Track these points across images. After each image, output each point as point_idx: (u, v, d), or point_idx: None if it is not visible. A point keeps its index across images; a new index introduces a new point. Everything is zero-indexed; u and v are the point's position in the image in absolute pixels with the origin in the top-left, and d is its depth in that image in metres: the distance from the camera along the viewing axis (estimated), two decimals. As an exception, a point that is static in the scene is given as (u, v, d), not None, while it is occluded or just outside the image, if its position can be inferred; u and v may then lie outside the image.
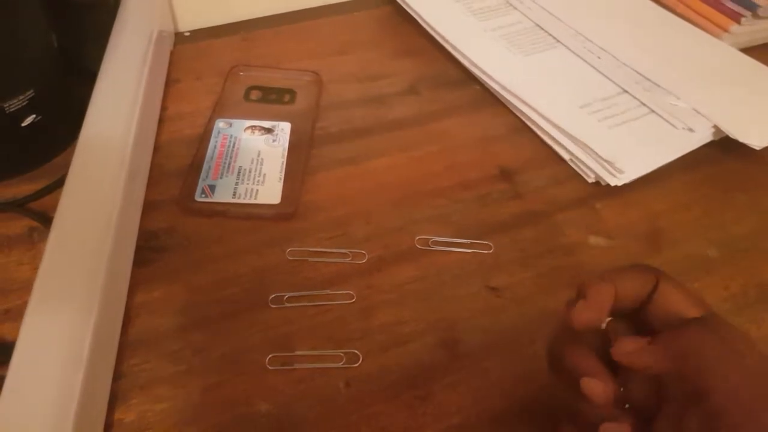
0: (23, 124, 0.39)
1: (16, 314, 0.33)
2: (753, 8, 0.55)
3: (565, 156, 0.44)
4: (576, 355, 0.25)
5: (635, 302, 0.25)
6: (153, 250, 0.37)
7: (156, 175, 0.42)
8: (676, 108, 0.46)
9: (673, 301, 0.24)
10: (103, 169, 0.35)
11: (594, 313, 0.24)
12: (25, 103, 0.39)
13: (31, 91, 0.39)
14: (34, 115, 0.40)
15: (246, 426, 0.30)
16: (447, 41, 0.53)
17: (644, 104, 0.47)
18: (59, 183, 0.38)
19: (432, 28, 0.54)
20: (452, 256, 0.38)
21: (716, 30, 0.56)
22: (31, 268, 0.36)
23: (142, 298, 0.35)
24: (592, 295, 0.24)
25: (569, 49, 0.52)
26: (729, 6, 0.56)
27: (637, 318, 0.25)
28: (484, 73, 0.49)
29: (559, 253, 0.39)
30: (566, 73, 0.50)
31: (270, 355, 0.32)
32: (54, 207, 0.33)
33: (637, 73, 0.49)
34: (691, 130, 0.44)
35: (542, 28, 0.55)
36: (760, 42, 0.57)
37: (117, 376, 0.31)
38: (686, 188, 0.44)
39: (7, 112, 0.38)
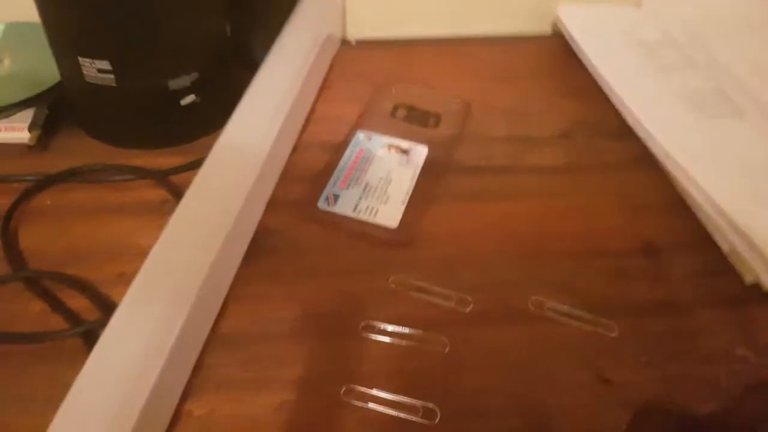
0: (182, 103, 0.42)
1: (129, 279, 0.35)
2: None
3: (724, 246, 0.38)
4: None
5: None
6: (264, 249, 0.38)
7: (288, 174, 0.43)
8: None
9: None
10: (238, 162, 0.36)
11: None
12: (187, 84, 0.41)
13: (196, 73, 0.41)
14: (193, 96, 0.42)
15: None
16: (611, 88, 0.48)
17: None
18: (199, 163, 0.39)
19: (597, 72, 0.50)
20: (567, 330, 0.34)
21: None
22: (153, 239, 0.37)
23: (242, 292, 0.35)
24: None
25: (756, 124, 0.45)
26: None
27: None
28: (645, 129, 0.44)
29: (695, 357, 0.33)
30: (748, 151, 0.43)
31: (345, 387, 0.31)
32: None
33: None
34: None
35: (726, 93, 0.48)
36: None
37: (198, 366, 0.32)
38: None
39: (170, 89, 0.40)
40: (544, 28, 0.58)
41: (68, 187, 0.41)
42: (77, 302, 0.34)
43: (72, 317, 0.33)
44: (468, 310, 0.35)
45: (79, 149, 0.43)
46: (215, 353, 0.32)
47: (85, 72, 0.38)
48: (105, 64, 0.37)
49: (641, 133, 0.45)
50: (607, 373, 0.32)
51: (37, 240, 0.38)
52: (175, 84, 0.40)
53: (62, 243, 0.37)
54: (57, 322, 0.33)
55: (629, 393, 0.31)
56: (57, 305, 0.34)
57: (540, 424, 0.30)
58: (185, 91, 0.41)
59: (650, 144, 0.44)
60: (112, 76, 0.38)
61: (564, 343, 0.34)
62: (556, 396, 0.31)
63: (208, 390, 0.31)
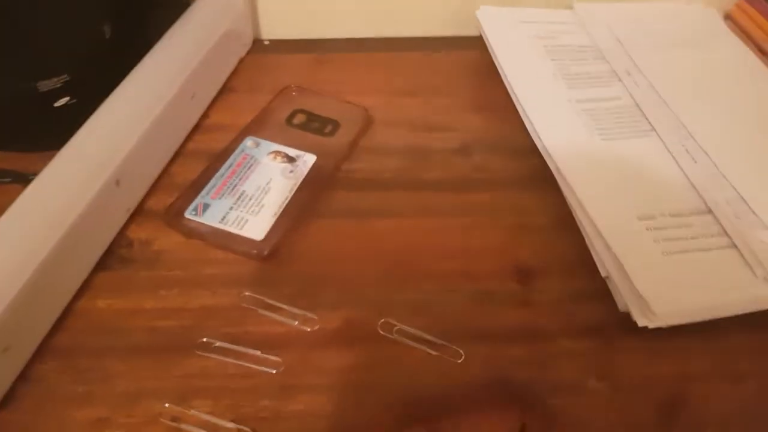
0: (56, 105, 0.41)
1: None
2: None
3: (602, 271, 0.37)
4: None
5: None
6: (120, 259, 0.37)
7: (164, 183, 0.42)
8: (763, 247, 0.36)
9: None
10: (82, 167, 0.35)
11: None
12: (58, 86, 0.40)
13: (66, 75, 0.40)
14: (68, 98, 0.41)
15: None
16: (518, 100, 0.47)
17: (726, 233, 0.37)
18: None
19: (508, 82, 0.48)
20: (412, 353, 0.33)
21: None
22: None
23: (86, 305, 0.34)
24: None
25: (662, 142, 0.44)
26: None
27: None
28: (543, 146, 0.43)
29: (543, 387, 0.32)
30: (644, 171, 0.42)
31: (165, 405, 0.30)
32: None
33: (735, 191, 0.40)
34: (770, 281, 0.35)
35: (641, 110, 0.46)
36: None
37: (23, 377, 0.31)
38: (745, 354, 0.34)
39: (40, 90, 0.39)
40: (471, 30, 0.56)
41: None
42: None
43: None
44: (312, 329, 0.34)
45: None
46: (45, 363, 0.32)
47: (-54, 72, 0.37)
48: (-35, 65, 0.37)
49: (541, 149, 0.44)
50: (444, 400, 0.31)
51: None
52: (44, 86, 0.39)
53: None
54: None
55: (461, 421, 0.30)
56: None
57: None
58: (57, 93, 0.40)
59: (547, 161, 0.43)
60: (-26, 77, 0.37)
61: (404, 367, 0.32)
62: (385, 422, 0.30)
63: (27, 400, 0.30)
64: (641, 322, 0.33)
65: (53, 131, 0.39)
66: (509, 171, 0.44)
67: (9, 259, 0.30)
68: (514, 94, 0.48)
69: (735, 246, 0.37)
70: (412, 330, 0.34)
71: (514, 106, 0.48)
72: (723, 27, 0.55)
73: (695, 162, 0.42)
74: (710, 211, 0.39)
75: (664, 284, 0.34)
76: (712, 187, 0.40)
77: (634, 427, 0.31)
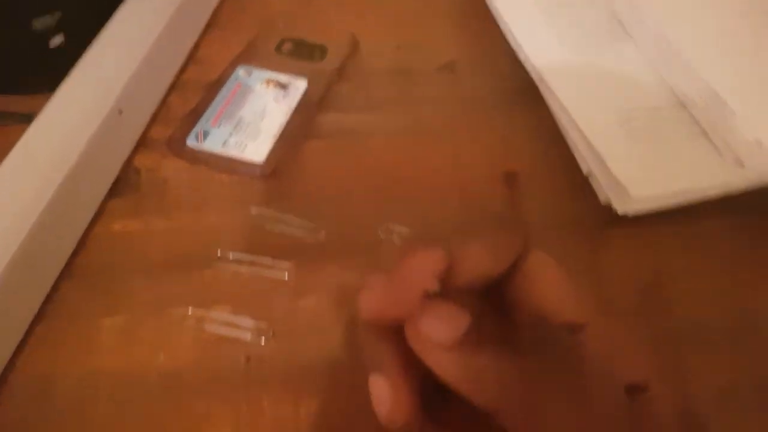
0: (51, 45, 0.42)
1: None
2: None
3: (584, 168, 0.39)
4: (372, 346, 0.18)
5: (485, 281, 0.18)
6: (130, 186, 0.39)
7: (163, 114, 0.43)
8: (733, 133, 0.38)
9: (543, 292, 0.18)
10: (85, 99, 0.37)
11: (393, 299, 0.17)
12: (52, 24, 0.41)
13: (59, 12, 0.41)
14: (62, 37, 0.42)
15: (138, 376, 0.31)
16: (501, 16, 0.48)
17: (698, 123, 0.40)
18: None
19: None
20: (411, 254, 0.36)
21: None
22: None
23: (102, 229, 0.37)
24: (401, 268, 0.17)
25: (637, 44, 0.45)
26: None
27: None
28: (526, 56, 0.44)
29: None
30: (621, 72, 0.44)
31: (189, 311, 0.33)
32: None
33: (708, 85, 0.42)
34: (741, 164, 0.37)
35: (617, 18, 0.48)
36: None
37: (50, 299, 0.33)
38: (717, 237, 0.37)
39: (35, 28, 0.40)
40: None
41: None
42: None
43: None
44: (317, 240, 0.36)
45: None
46: (69, 282, 0.34)
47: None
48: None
49: (524, 61, 0.45)
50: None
51: None
52: (39, 24, 0.40)
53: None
54: None
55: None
56: None
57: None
58: (52, 32, 0.41)
59: (530, 71, 0.45)
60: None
61: (405, 266, 0.35)
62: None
63: (56, 316, 0.33)
64: (621, 209, 0.36)
65: (49, 73, 0.40)
66: (495, 86, 0.46)
67: (25, 190, 0.32)
68: (497, 9, 0.49)
69: (707, 134, 0.39)
70: (410, 233, 0.37)
71: (498, 23, 0.49)
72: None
73: (668, 60, 0.44)
74: (683, 105, 0.41)
75: (641, 172, 0.37)
76: (683, 80, 0.42)
77: (617, 313, 0.34)
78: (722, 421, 0.29)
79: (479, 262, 0.18)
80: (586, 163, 0.39)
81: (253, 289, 0.34)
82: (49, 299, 0.33)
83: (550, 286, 0.18)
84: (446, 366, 0.16)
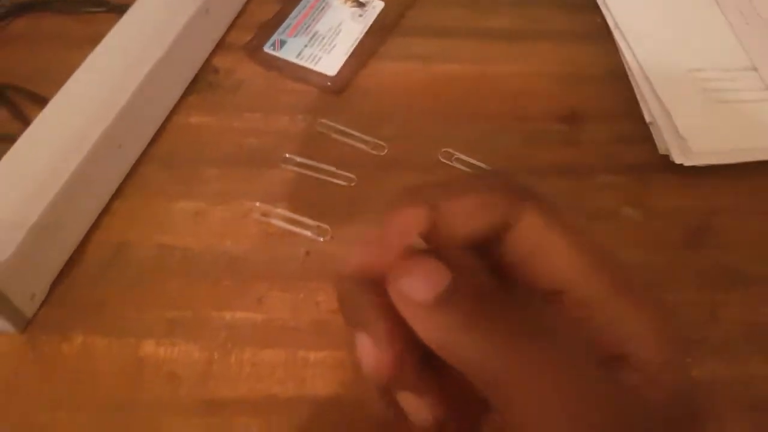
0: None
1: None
2: None
3: (647, 117, 0.40)
4: (355, 300, 0.17)
5: (476, 239, 0.17)
6: (208, 84, 0.41)
7: (243, 21, 0.45)
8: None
9: (537, 258, 0.16)
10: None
11: (377, 254, 0.16)
12: None
13: None
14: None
15: (206, 254, 0.34)
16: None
17: (767, 89, 0.40)
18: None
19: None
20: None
21: None
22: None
23: (181, 120, 0.39)
24: (386, 224, 0.17)
25: (718, 4, 0.45)
26: None
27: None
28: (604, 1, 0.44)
29: (580, 213, 0.36)
30: (698, 29, 0.43)
31: (256, 203, 0.35)
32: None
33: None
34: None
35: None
36: None
37: (130, 176, 0.36)
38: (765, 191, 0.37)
39: None
40: None
41: (40, 15, 0.44)
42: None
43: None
44: (380, 154, 0.38)
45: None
46: (147, 166, 0.37)
47: None
48: None
49: (601, 4, 0.45)
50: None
51: (9, 60, 0.41)
52: None
53: (31, 64, 0.41)
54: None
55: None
56: (18, 114, 0.38)
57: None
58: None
59: (606, 15, 0.44)
60: None
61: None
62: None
63: (134, 194, 0.36)
64: (678, 159, 0.36)
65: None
66: (568, 23, 0.46)
67: (113, 76, 0.35)
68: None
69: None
70: (469, 159, 0.38)
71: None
72: None
73: (747, 24, 0.43)
74: (755, 69, 0.41)
75: (704, 127, 0.37)
76: (760, 45, 0.41)
77: (663, 247, 0.35)
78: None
79: (468, 219, 0.17)
80: (651, 111, 0.39)
81: (317, 193, 0.36)
82: (128, 178, 0.36)
83: (546, 252, 0.17)
84: (423, 325, 0.16)
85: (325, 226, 0.35)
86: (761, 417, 0.30)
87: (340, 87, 0.41)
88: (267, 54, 0.42)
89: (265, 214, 0.35)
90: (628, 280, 0.17)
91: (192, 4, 0.38)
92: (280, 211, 0.35)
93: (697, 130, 0.37)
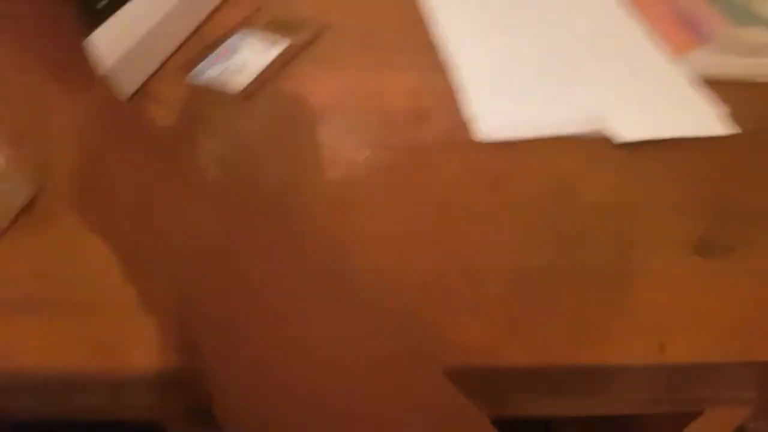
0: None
1: None
2: (711, 39, 0.60)
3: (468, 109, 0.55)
4: None
5: None
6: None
7: (181, 53, 0.60)
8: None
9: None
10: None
11: None
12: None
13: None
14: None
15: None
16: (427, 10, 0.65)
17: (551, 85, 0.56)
18: None
19: None
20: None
21: (677, 53, 0.61)
22: None
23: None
24: None
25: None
26: (693, 31, 0.62)
27: None
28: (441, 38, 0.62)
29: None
30: (509, 48, 0.61)
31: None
32: None
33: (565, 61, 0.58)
34: (572, 118, 0.53)
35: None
36: (718, 76, 0.60)
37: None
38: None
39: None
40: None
41: None
42: None
43: None
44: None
45: None
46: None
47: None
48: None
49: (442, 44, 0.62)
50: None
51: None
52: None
53: None
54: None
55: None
56: None
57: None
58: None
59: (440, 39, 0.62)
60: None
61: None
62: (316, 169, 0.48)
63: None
64: (480, 136, 0.52)
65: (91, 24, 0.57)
66: (410, 46, 0.63)
67: None
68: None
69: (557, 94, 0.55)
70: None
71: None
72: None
73: (541, 44, 0.61)
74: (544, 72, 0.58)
75: (499, 112, 0.53)
76: (550, 57, 0.59)
77: (470, 189, 0.49)
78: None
79: None
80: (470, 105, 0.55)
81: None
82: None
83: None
84: None
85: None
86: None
87: (246, 96, 0.56)
88: (191, 78, 0.57)
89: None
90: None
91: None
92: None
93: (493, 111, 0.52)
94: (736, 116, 0.54)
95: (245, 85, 0.56)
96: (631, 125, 0.52)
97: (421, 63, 0.62)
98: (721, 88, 0.57)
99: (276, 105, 0.56)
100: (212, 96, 0.56)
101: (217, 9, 0.67)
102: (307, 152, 0.51)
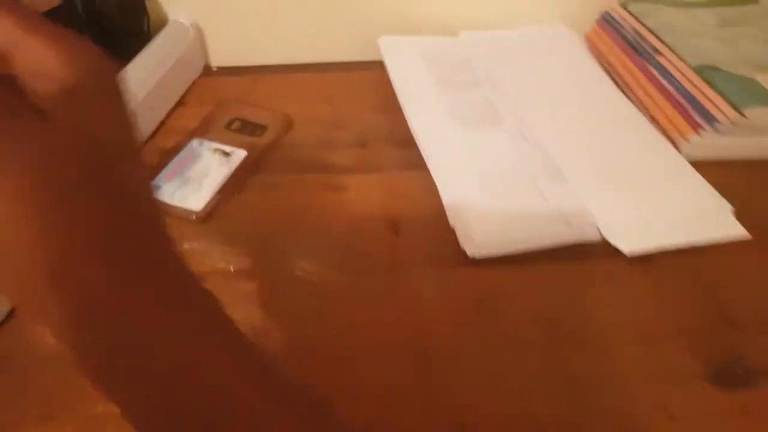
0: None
1: None
2: (712, 122, 0.56)
3: (451, 222, 0.50)
4: None
5: None
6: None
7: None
8: (566, 198, 0.50)
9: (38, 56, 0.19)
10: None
11: None
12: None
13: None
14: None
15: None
16: (403, 104, 0.61)
17: (539, 187, 0.51)
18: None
19: (397, 91, 0.63)
20: (306, 281, 0.46)
21: (678, 137, 0.58)
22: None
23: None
24: None
25: (505, 128, 0.58)
26: (692, 115, 0.58)
27: None
28: (417, 137, 0.57)
29: (396, 302, 0.45)
30: (484, 144, 0.56)
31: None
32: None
33: (554, 161, 0.54)
34: (569, 224, 0.48)
35: (493, 106, 0.61)
36: (718, 157, 0.57)
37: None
38: (544, 274, 0.47)
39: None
40: (376, 56, 0.70)
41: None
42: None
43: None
44: (235, 269, 0.47)
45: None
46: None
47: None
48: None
49: (414, 134, 0.57)
50: (324, 307, 0.44)
51: None
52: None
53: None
54: None
55: (335, 321, 0.43)
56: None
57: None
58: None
59: (419, 147, 0.57)
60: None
61: (300, 288, 0.45)
62: (280, 323, 0.43)
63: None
64: (470, 252, 0.46)
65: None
66: (394, 157, 0.58)
67: None
68: (401, 100, 0.62)
69: (544, 197, 0.50)
70: (307, 265, 0.47)
71: (400, 110, 0.62)
72: (579, 43, 0.70)
73: (526, 139, 0.56)
74: (530, 172, 0.53)
75: (486, 223, 0.47)
76: (537, 158, 0.54)
77: (454, 323, 0.43)
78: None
79: None
80: (451, 217, 0.50)
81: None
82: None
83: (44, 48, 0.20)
84: None
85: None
86: None
87: (204, 217, 0.50)
88: (145, 197, 0.52)
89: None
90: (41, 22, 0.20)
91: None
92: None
93: (481, 225, 0.47)
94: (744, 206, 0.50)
95: (202, 207, 0.51)
96: (637, 235, 0.47)
97: (393, 159, 0.57)
98: (727, 169, 0.55)
99: (234, 225, 0.51)
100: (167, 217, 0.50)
101: (171, 111, 0.62)
102: (270, 279, 0.46)
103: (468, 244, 0.47)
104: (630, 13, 0.68)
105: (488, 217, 0.49)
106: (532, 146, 0.55)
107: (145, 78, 0.58)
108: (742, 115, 0.54)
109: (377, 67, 0.68)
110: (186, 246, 0.48)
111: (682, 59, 0.60)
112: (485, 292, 0.46)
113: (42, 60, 0.20)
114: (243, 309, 0.44)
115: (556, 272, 0.47)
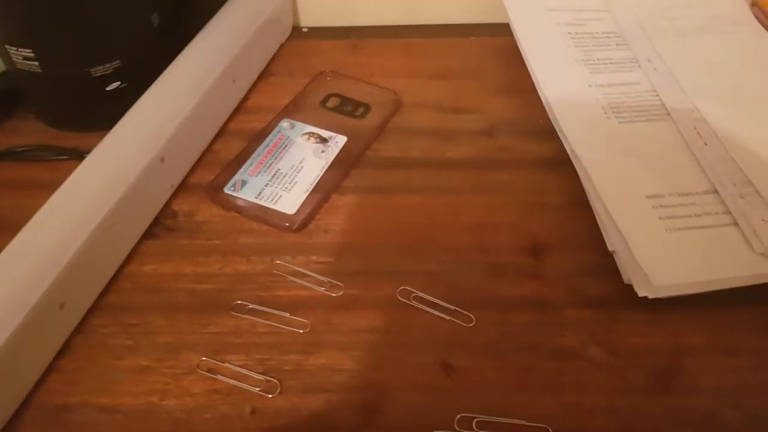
0: (108, 88, 0.45)
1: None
2: None
3: (609, 246, 0.38)
4: None
5: None
6: (166, 228, 0.41)
7: (207, 160, 0.45)
8: (766, 226, 0.37)
9: None
10: (130, 146, 0.39)
11: None
12: (110, 71, 0.44)
13: (118, 61, 0.44)
14: (119, 82, 0.45)
15: (147, 416, 0.32)
16: (539, 85, 0.48)
17: (730, 212, 0.38)
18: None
19: (531, 68, 0.50)
20: (426, 318, 0.36)
21: None
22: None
23: (134, 269, 0.38)
24: None
25: (676, 126, 0.45)
26: None
27: None
28: (560, 128, 0.44)
29: (542, 352, 0.34)
30: (656, 152, 0.43)
31: (203, 358, 0.34)
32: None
33: (742, 172, 0.40)
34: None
35: (658, 95, 0.47)
36: None
37: (78, 330, 0.35)
38: (739, 327, 0.35)
39: (94, 75, 0.44)
40: (501, 17, 0.57)
41: (7, 164, 0.45)
42: None
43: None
44: (337, 295, 0.37)
45: (27, 130, 0.47)
46: (97, 319, 0.36)
47: (13, 59, 0.42)
48: (28, 52, 0.41)
49: (559, 132, 0.45)
50: (452, 359, 0.34)
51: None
52: (98, 71, 0.43)
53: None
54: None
55: (466, 379, 0.33)
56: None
57: (375, 402, 0.32)
58: (110, 78, 0.44)
59: (564, 143, 0.44)
60: (36, 63, 0.41)
61: (421, 330, 0.35)
62: (396, 377, 0.33)
63: (80, 350, 0.34)
64: (641, 292, 0.35)
65: (106, 112, 0.43)
66: (530, 152, 0.46)
67: (65, 226, 0.34)
68: (536, 79, 0.49)
69: (736, 224, 0.38)
70: (428, 297, 0.37)
71: (535, 91, 0.50)
72: (748, 14, 0.55)
73: (706, 144, 0.43)
74: (715, 191, 0.40)
75: (665, 257, 0.35)
76: (720, 168, 0.41)
77: (630, 392, 0.32)
78: None
79: None
80: (612, 241, 0.38)
81: (268, 342, 0.35)
82: (77, 331, 0.35)
83: None
84: None
85: (274, 380, 0.33)
86: None
87: (299, 225, 0.40)
88: (226, 195, 0.42)
89: (211, 370, 0.33)
90: None
91: (146, 155, 0.39)
92: (227, 365, 0.33)
93: (658, 261, 0.35)
94: None
95: (295, 210, 0.41)
96: None
97: (528, 155, 0.46)
98: None
99: (333, 236, 0.41)
100: (256, 225, 0.41)
101: (252, 88, 0.52)
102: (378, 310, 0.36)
103: (638, 281, 0.35)
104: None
105: (663, 247, 0.37)
106: (714, 151, 0.42)
107: (225, 44, 0.48)
108: None
109: (501, 30, 0.56)
110: (278, 262, 0.38)
111: None
112: (664, 349, 0.34)
113: None
114: (347, 343, 0.34)
115: (750, 318, 0.35)
